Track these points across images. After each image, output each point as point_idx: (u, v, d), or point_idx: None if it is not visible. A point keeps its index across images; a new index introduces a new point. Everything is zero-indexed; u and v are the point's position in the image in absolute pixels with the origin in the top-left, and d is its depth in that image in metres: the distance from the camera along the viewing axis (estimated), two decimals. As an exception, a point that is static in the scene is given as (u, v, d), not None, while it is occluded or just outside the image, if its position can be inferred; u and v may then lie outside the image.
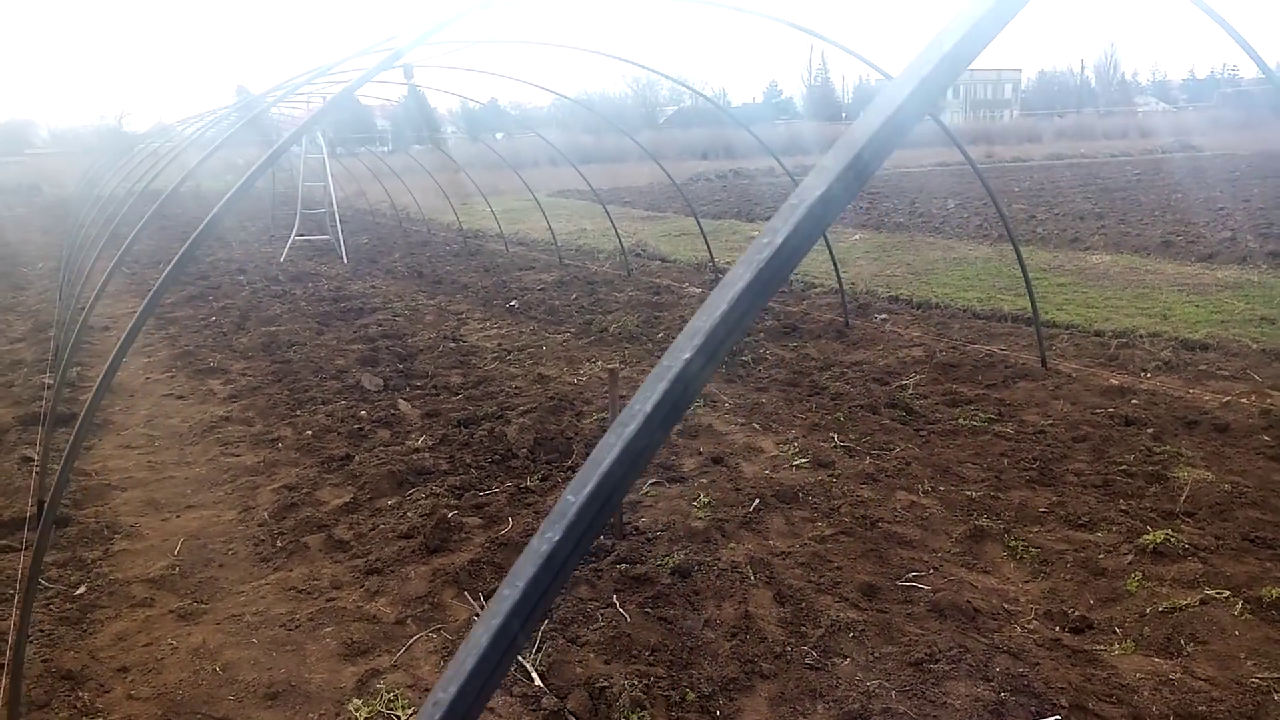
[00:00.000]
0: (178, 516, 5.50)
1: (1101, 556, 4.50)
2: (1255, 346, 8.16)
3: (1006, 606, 4.14)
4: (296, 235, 17.72)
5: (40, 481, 5.33)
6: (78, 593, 4.49)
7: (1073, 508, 5.06)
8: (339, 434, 6.76)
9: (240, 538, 5.14)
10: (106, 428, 7.16)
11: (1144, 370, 7.67)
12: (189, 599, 4.46)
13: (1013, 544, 4.70)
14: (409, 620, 4.17)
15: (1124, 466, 5.60)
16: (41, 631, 4.08)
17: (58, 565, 4.75)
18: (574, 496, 0.76)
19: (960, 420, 6.63)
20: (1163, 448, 5.84)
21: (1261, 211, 17.17)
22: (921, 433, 6.43)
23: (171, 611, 4.31)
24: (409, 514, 5.24)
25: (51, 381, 8.33)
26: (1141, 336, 8.65)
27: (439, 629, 4.10)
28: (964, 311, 10.36)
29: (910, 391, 7.41)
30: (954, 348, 8.73)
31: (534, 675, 3.65)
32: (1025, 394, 7.26)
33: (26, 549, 4.94)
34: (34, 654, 3.87)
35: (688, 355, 0.78)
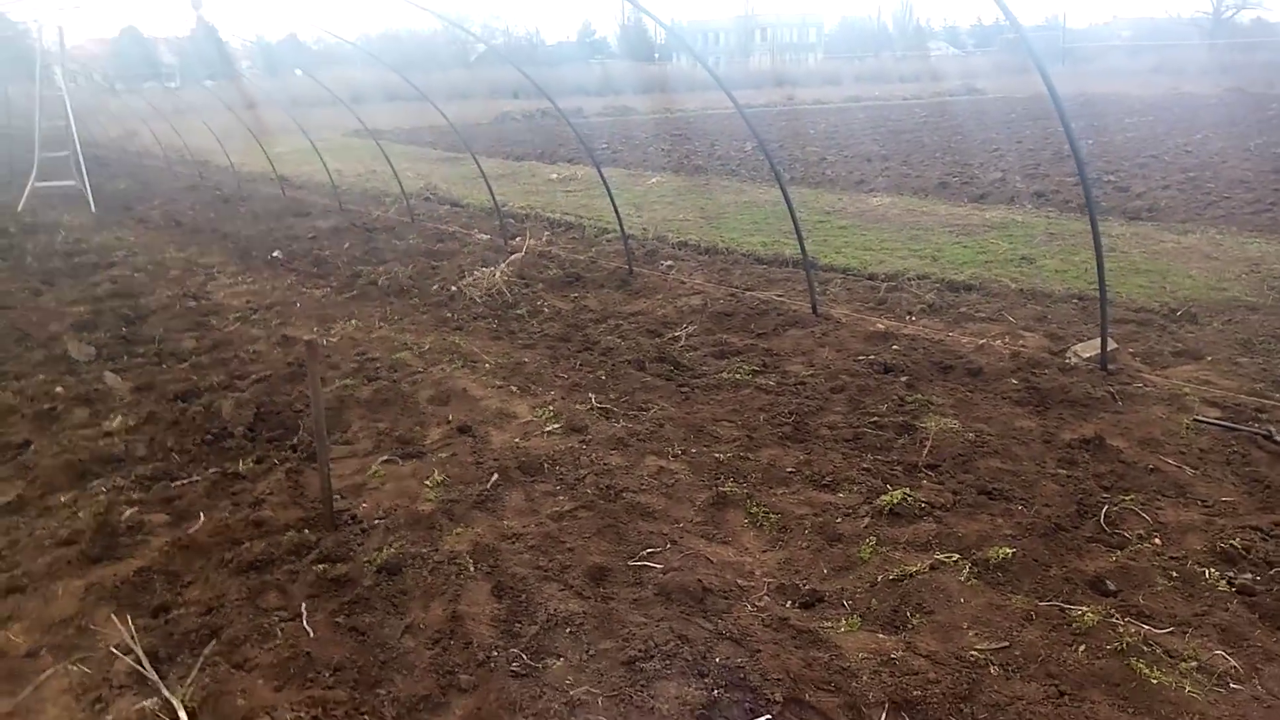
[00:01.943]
0: None
1: (840, 520, 4.31)
2: (1014, 286, 8.37)
3: (740, 582, 3.86)
4: (36, 182, 15.67)
5: None
6: None
7: (819, 466, 4.87)
8: (24, 416, 5.79)
9: None
10: None
11: (909, 314, 7.69)
12: None
13: (754, 510, 4.44)
14: (44, 651, 3.46)
15: (876, 418, 5.48)
16: None
17: None
18: None
19: (725, 374, 6.37)
20: (915, 396, 5.77)
21: (1031, 153, 18.08)
22: (684, 389, 6.14)
23: None
24: (80, 514, 4.45)
25: None
26: (911, 279, 8.72)
27: (81, 660, 3.41)
28: (747, 256, 10.22)
29: (682, 344, 7.12)
30: (732, 295, 8.53)
31: (181, 714, 3.06)
32: (793, 343, 7.10)
33: None
34: None
35: None
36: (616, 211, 9.68)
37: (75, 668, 3.37)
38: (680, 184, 16.35)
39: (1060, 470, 4.74)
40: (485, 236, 12.10)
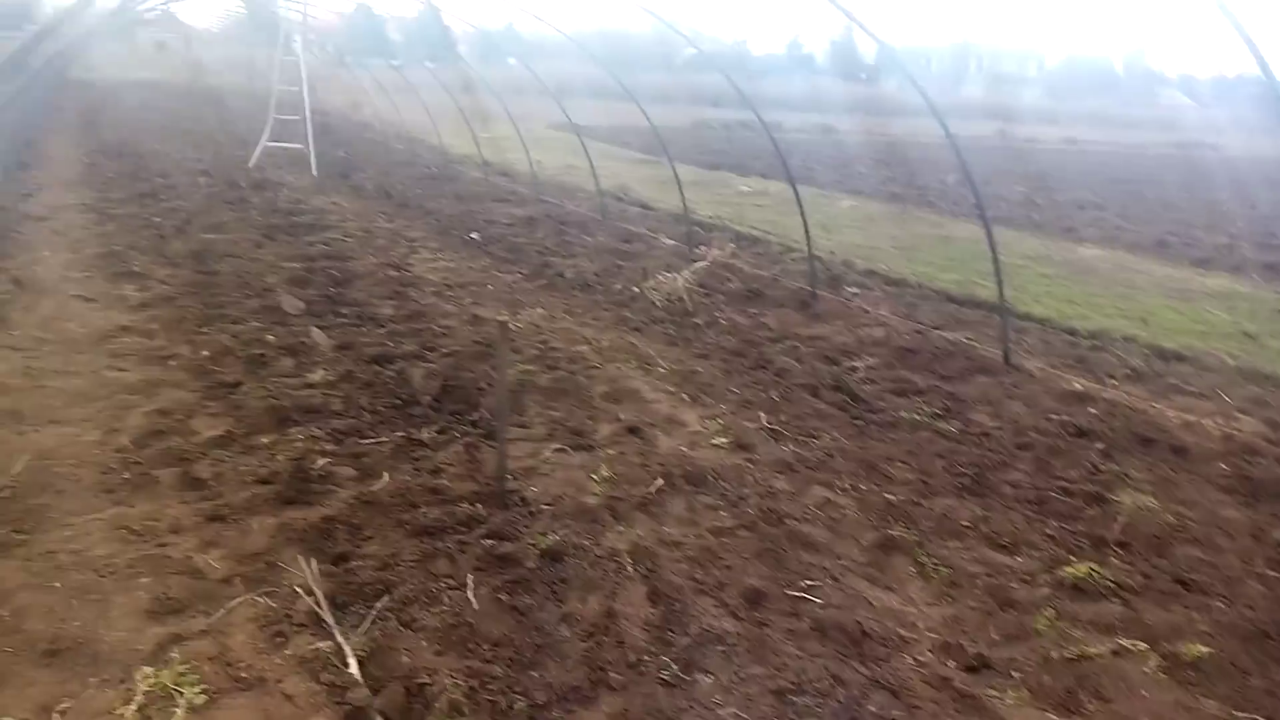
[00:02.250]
0: (36, 431, 5.03)
1: (1016, 585, 4.08)
2: (1232, 363, 7.71)
3: (901, 632, 3.73)
4: (267, 140, 17.01)
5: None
6: (-114, 509, 4.05)
7: (998, 524, 4.64)
8: (237, 358, 6.28)
9: (91, 463, 4.68)
10: (-3, 325, 6.67)
11: (1110, 376, 7.21)
12: (8, 527, 4.00)
13: (924, 560, 4.27)
14: (236, 579, 3.74)
15: (1064, 483, 5.16)
16: None
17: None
18: None
19: (904, 412, 6.17)
20: (1110, 466, 5.40)
21: (1266, 220, 16.61)
22: (858, 421, 5.99)
23: (-19, 541, 3.87)
24: (278, 456, 4.79)
25: (-44, 268, 7.84)
26: (1116, 339, 8.19)
27: (267, 593, 3.67)
28: (938, 293, 9.87)
29: (860, 375, 6.95)
30: (918, 331, 8.26)
31: (350, 661, 3.23)
32: (980, 390, 6.80)
33: None
34: None
35: None
36: (806, 231, 9.56)
37: (262, 600, 3.63)
38: (874, 210, 15.99)
39: (1269, 571, 4.32)
40: (671, 242, 12.21)
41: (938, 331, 8.31)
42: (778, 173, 20.68)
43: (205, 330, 6.82)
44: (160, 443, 4.90)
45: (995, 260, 7.47)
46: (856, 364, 7.18)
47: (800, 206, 9.40)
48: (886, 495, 4.89)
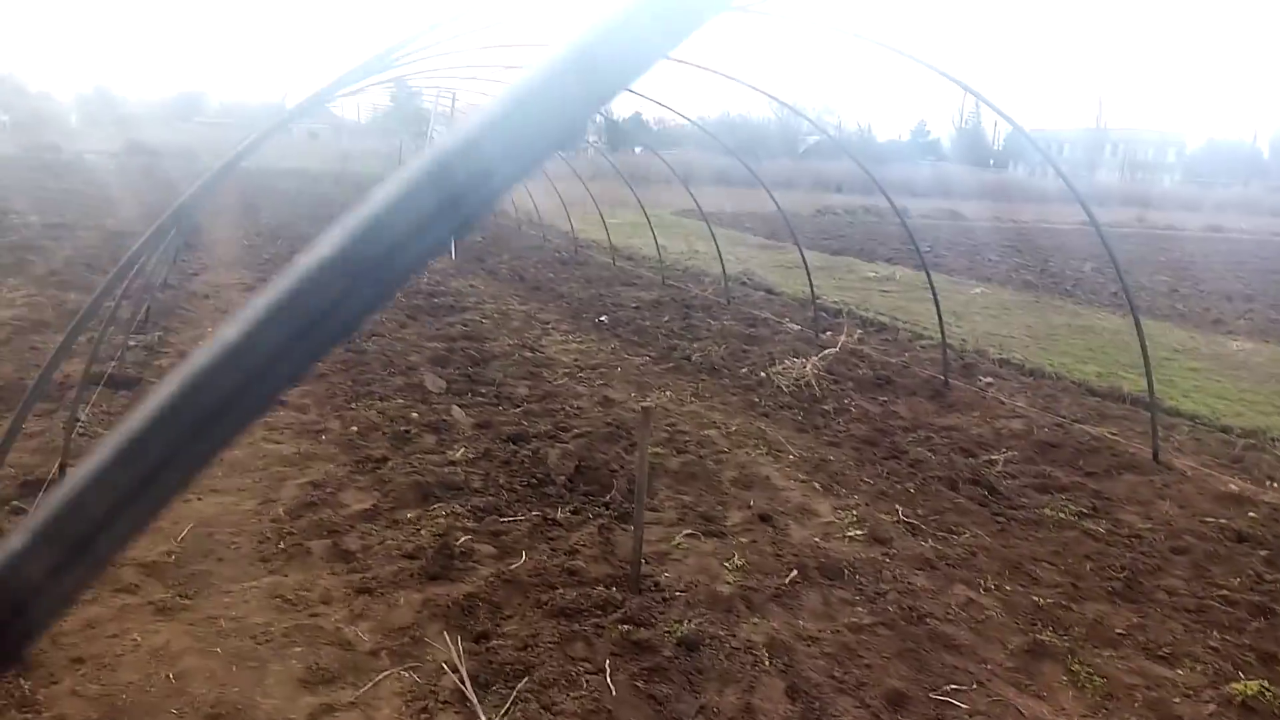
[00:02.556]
0: (198, 499, 5.36)
1: (1178, 700, 3.82)
2: None
3: (1055, 746, 3.54)
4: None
5: (65, 444, 5.28)
6: (72, 567, 4.36)
7: (1156, 633, 4.37)
8: (384, 434, 6.57)
9: (249, 531, 4.95)
10: (168, 397, 7.17)
11: (1270, 479, 6.76)
12: (174, 591, 4.27)
13: (1076, 668, 4.05)
14: (383, 653, 3.86)
15: (1226, 591, 4.84)
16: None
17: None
18: None
19: (1047, 510, 5.93)
20: (1275, 575, 5.03)
21: None
22: (1000, 518, 5.78)
23: (151, 603, 4.13)
24: (422, 532, 4.95)
25: (134, 343, 8.50)
26: (1274, 440, 7.69)
27: (412, 668, 3.77)
28: (1079, 386, 9.51)
29: (999, 469, 6.72)
30: (1059, 425, 7.95)
31: (492, 741, 3.28)
32: (1128, 489, 6.48)
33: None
34: None
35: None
36: (940, 317, 9.41)
37: (408, 674, 3.73)
38: (1007, 298, 15.61)
39: None
40: (796, 327, 12.20)
41: (1080, 425, 7.99)
42: (904, 258, 20.54)
43: (354, 406, 7.16)
44: (312, 514, 5.15)
45: (1144, 352, 7.18)
46: (995, 457, 6.95)
47: (933, 291, 9.28)
48: (1033, 597, 4.68)
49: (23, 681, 3.45)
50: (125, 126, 62.21)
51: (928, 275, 9.44)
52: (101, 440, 0.42)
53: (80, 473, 0.41)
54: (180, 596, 4.22)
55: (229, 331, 0.41)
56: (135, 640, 3.81)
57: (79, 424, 6.15)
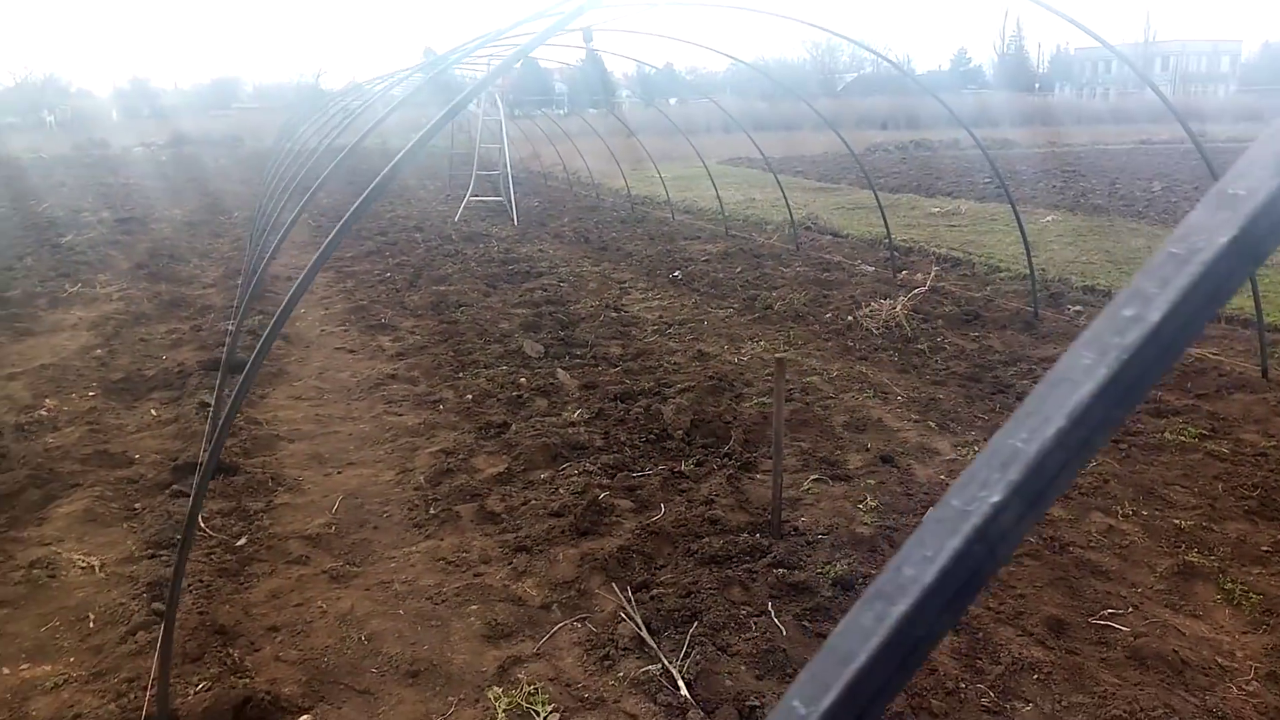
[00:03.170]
0: (339, 472, 5.59)
1: (1345, 614, 3.85)
2: None
3: (1220, 661, 3.59)
4: (471, 196, 18.10)
5: (211, 427, 5.51)
6: (238, 544, 4.60)
7: (1307, 550, 4.38)
8: (498, 400, 6.74)
9: (396, 500, 5.16)
10: (281, 377, 7.42)
11: (1393, 390, 6.65)
12: (342, 560, 4.48)
13: (1229, 586, 4.09)
14: (554, 606, 4.03)
15: (1371, 505, 4.82)
16: (201, 582, 4.17)
17: (222, 514, 4.89)
18: (805, 708, 0.48)
19: (1167, 434, 5.92)
20: None
21: None
22: (1121, 445, 5.78)
23: (324, 572, 4.34)
24: (560, 490, 5.11)
25: (233, 328, 8.75)
26: (1390, 350, 7.53)
27: (584, 619, 3.94)
28: (1171, 308, 9.36)
29: (1107, 396, 6.70)
30: (1159, 349, 7.86)
31: (680, 683, 3.43)
32: (1242, 408, 6.42)
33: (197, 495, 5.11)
34: (191, 605, 3.96)
35: (996, 498, 0.49)
36: (1027, 248, 9.32)
37: (581, 625, 3.90)
38: (1078, 224, 15.31)
39: None
40: (870, 268, 12.14)
41: (1181, 348, 7.89)
42: (964, 191, 20.22)
43: (461, 376, 7.34)
44: (450, 480, 5.33)
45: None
46: (1101, 385, 6.92)
47: (1018, 221, 9.17)
48: (1173, 520, 4.70)
49: (231, 650, 3.67)
50: (164, 118, 63.17)
51: (1012, 207, 9.32)
52: (1047, 407, 0.51)
53: (1039, 439, 0.50)
54: (349, 565, 4.43)
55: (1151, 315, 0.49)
56: (321, 608, 4.03)
57: (209, 408, 6.40)
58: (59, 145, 42.08)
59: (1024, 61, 78.32)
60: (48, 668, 3.65)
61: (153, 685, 3.38)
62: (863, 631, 0.48)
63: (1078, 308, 9.49)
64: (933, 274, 10.90)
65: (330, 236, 3.05)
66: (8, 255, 13.40)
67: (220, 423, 3.11)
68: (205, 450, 5.51)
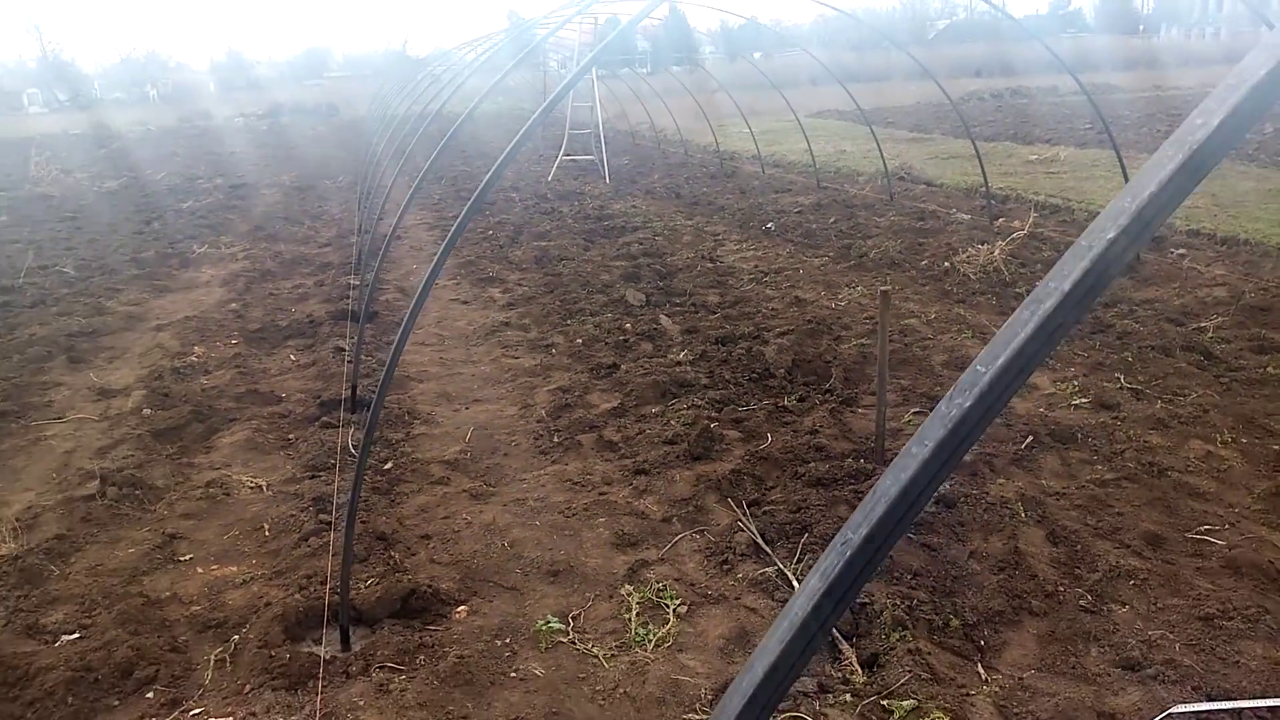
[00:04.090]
0: (466, 408, 6.05)
1: None
2: None
3: (1319, 573, 3.75)
4: (564, 155, 18.48)
5: (353, 369, 6.02)
6: (386, 468, 5.08)
7: None
8: (606, 344, 7.11)
9: (521, 431, 5.59)
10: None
11: None
12: (479, 481, 4.92)
13: (1331, 506, 4.21)
14: (674, 519, 4.39)
15: None
16: (358, 498, 4.65)
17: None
18: (984, 368, 0.79)
19: (1270, 369, 5.95)
20: None
21: None
22: (1222, 379, 5.85)
23: (465, 491, 4.79)
24: (672, 422, 5.46)
25: (355, 282, 9.32)
26: None
27: (702, 530, 4.29)
28: (1279, 250, 9.18)
29: (1210, 334, 6.72)
30: (1264, 289, 7.79)
31: (794, 583, 3.75)
32: (1354, 344, 6.38)
33: (343, 426, 5.63)
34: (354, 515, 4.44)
35: (1111, 234, 0.78)
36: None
37: (699, 536, 4.25)
38: (1183, 169, 14.88)
39: None
40: (966, 216, 12.10)
41: (1289, 288, 7.80)
42: (1064, 138, 19.74)
43: (569, 323, 7.74)
44: (569, 414, 5.74)
45: (1364, 206, 6.93)
46: (1204, 324, 6.94)
47: (1121, 164, 9.10)
48: (1273, 447, 4.81)
49: (392, 553, 4.14)
50: (260, 89, 65.29)
51: (1115, 150, 9.25)
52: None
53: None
54: (486, 485, 4.87)
55: None
56: (466, 520, 4.47)
57: (344, 353, 6.94)
58: (164, 118, 44.06)
59: (1128, 2, 74.75)
60: (234, 568, 4.18)
61: (331, 578, 3.86)
62: (1020, 323, 0.78)
63: (1181, 250, 9.38)
64: (1031, 220, 10.85)
65: (448, 238, 3.42)
66: (136, 220, 14.37)
67: (386, 371, 3.52)
68: (347, 387, 6.03)
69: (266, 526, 4.51)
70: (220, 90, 72.53)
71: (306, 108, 48.50)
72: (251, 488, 4.94)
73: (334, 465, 5.10)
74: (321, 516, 4.49)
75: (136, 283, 9.96)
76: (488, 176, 3.49)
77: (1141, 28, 68.59)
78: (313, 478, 4.97)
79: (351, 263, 10.41)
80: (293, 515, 4.56)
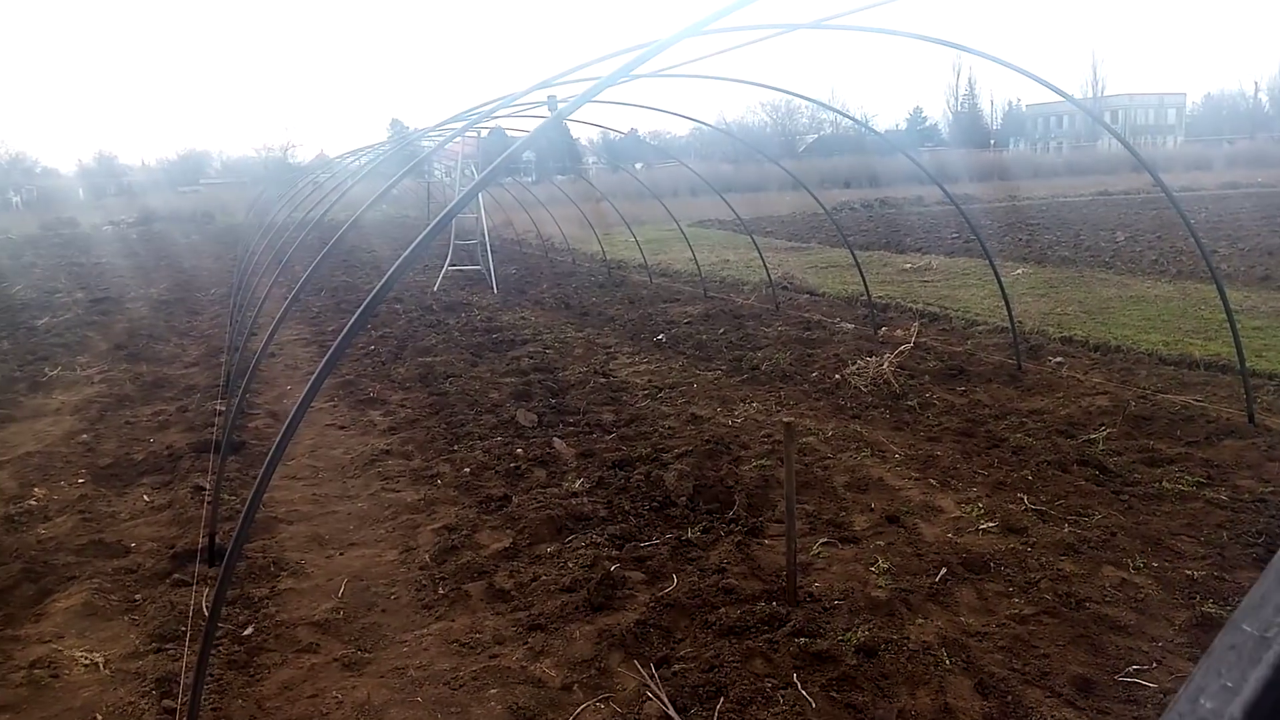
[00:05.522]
0: (341, 554, 5.48)
1: (1367, 661, 3.86)
2: None
3: (1253, 715, 3.58)
4: (449, 265, 18.15)
5: (212, 513, 5.40)
6: (245, 633, 4.48)
7: (1320, 597, 4.41)
8: (496, 472, 6.68)
9: (402, 581, 5.06)
10: (273, 457, 7.30)
11: (1379, 431, 6.78)
12: (353, 646, 4.37)
13: (1251, 638, 4.10)
14: (575, 686, 3.95)
15: (1376, 549, 4.87)
16: (210, 676, 4.04)
17: (227, 603, 4.76)
18: None
19: (1164, 484, 5.98)
20: None
21: None
22: (1122, 496, 5.83)
23: (336, 660, 4.23)
24: (570, 564, 5.04)
25: (223, 407, 8.64)
26: (1369, 391, 7.70)
27: (606, 698, 3.86)
28: (1150, 356, 9.53)
29: (1101, 447, 6.77)
30: (1144, 398, 7.99)
31: (714, 763, 3.35)
32: (1234, 454, 6.52)
33: (198, 584, 4.99)
34: (204, 700, 3.83)
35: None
36: (1006, 302, 9.47)
37: (604, 705, 3.82)
38: (1049, 275, 15.62)
39: None
40: (851, 326, 12.27)
41: (1164, 396, 8.03)
42: (933, 247, 20.58)
43: (456, 448, 7.28)
44: (455, 558, 5.25)
45: (1229, 316, 7.22)
46: (1094, 436, 7.00)
47: (997, 277, 9.35)
48: (1185, 571, 4.73)
49: (248, 748, 3.55)
50: (132, 195, 63.04)
51: (989, 260, 9.52)
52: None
53: None
54: (360, 651, 4.32)
55: None
56: (336, 698, 3.91)
57: (204, 492, 6.29)
58: (26, 225, 41.84)
59: (978, 118, 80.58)
60: (53, 775, 3.51)
61: (170, 789, 3.25)
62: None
63: (1059, 359, 9.63)
64: (914, 329, 11.05)
65: (327, 357, 3.04)
66: (-20, 340, 13.20)
67: (249, 505, 3.05)
68: (204, 535, 5.39)
69: (99, 718, 3.84)
70: (90, 197, 69.76)
71: (181, 215, 46.91)
72: (85, 666, 4.25)
73: (184, 634, 4.46)
74: (165, 703, 3.86)
75: (-29, 412, 8.99)
76: (372, 293, 3.13)
77: (992, 141, 73.80)
78: (158, 651, 4.32)
79: (220, 385, 9.70)
80: (131, 703, 3.90)
